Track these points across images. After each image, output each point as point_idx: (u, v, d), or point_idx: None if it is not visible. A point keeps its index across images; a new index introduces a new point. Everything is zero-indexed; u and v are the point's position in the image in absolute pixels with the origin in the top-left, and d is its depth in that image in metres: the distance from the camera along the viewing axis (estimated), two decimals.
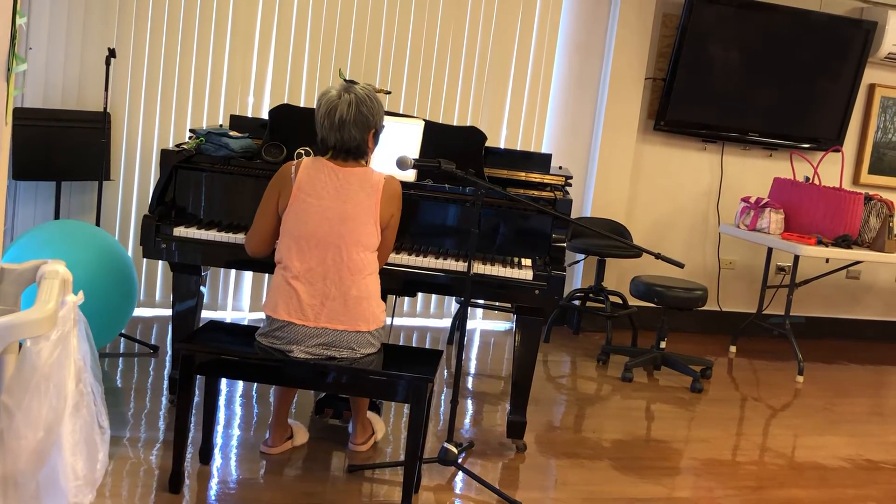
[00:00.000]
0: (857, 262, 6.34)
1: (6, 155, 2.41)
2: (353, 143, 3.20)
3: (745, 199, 5.91)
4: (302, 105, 5.29)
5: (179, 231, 3.64)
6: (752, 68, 6.11)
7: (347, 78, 3.33)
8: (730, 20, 6.00)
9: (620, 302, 5.92)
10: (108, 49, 4.57)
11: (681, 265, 3.51)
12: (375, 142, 3.30)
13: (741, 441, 4.43)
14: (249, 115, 5.30)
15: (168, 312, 5.17)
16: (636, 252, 5.60)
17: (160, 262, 5.24)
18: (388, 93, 3.36)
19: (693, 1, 5.87)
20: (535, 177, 4.03)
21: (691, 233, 6.41)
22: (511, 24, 5.73)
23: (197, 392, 3.87)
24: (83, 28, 4.97)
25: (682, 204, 6.36)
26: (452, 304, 5.86)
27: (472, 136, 3.92)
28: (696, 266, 6.40)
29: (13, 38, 2.30)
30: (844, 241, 5.50)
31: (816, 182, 5.79)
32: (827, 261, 6.14)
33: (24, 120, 4.63)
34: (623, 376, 5.17)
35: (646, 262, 6.01)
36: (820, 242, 5.49)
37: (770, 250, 6.06)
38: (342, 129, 3.18)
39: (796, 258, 5.69)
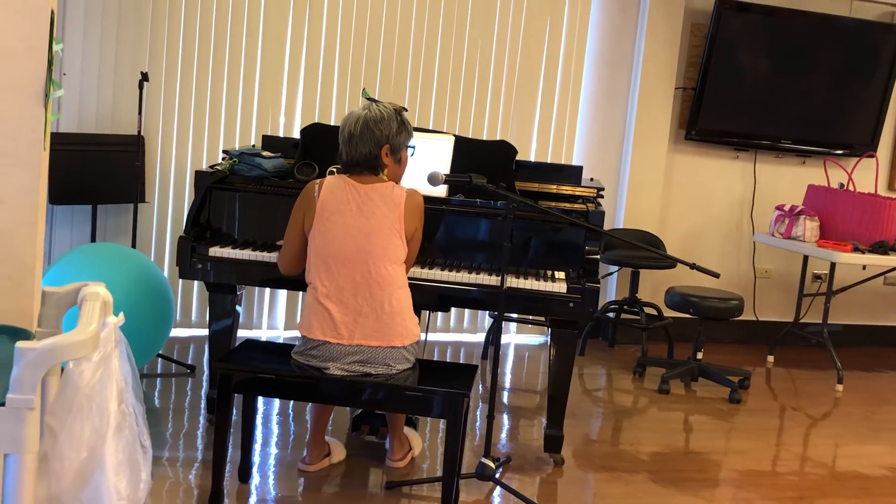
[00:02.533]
0: (895, 269, 6.27)
1: (45, 179, 2.46)
2: (360, 156, 3.26)
3: (780, 207, 5.87)
4: (332, 123, 5.34)
5: (214, 251, 3.67)
6: (782, 75, 6.08)
7: (370, 96, 3.39)
8: (758, 27, 5.98)
9: (655, 313, 5.89)
10: (141, 73, 4.64)
11: (716, 275, 3.49)
12: (395, 158, 3.32)
13: (781, 451, 4.39)
14: (281, 134, 5.35)
15: (204, 332, 5.22)
16: (670, 263, 5.58)
17: (196, 282, 5.29)
18: (405, 110, 3.41)
19: (721, 9, 5.86)
20: (567, 189, 4.04)
21: (725, 242, 6.37)
22: (539, 37, 5.74)
23: (234, 411, 3.90)
24: (116, 53, 5.04)
25: (716, 213, 6.33)
26: (486, 319, 5.86)
27: (503, 150, 3.93)
28: (731, 275, 6.35)
29: (50, 64, 2.35)
30: (881, 248, 5.45)
31: (851, 188, 5.74)
32: (864, 268, 6.08)
33: (60, 145, 4.70)
34: (660, 388, 5.14)
35: (680, 273, 5.98)
36: (856, 249, 5.44)
37: (806, 258, 6.01)
38: (350, 143, 3.27)
39: (833, 266, 5.63)
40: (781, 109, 6.15)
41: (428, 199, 3.56)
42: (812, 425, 4.85)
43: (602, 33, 5.89)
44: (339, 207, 3.21)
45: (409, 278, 3.41)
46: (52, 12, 2.35)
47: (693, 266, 3.46)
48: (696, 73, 6.02)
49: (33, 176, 2.37)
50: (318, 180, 3.29)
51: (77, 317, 2.15)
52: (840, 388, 5.56)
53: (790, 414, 5.00)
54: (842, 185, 5.80)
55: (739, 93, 6.06)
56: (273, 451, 3.78)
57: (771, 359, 6.08)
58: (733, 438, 4.51)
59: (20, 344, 1.92)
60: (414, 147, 3.44)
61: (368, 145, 3.25)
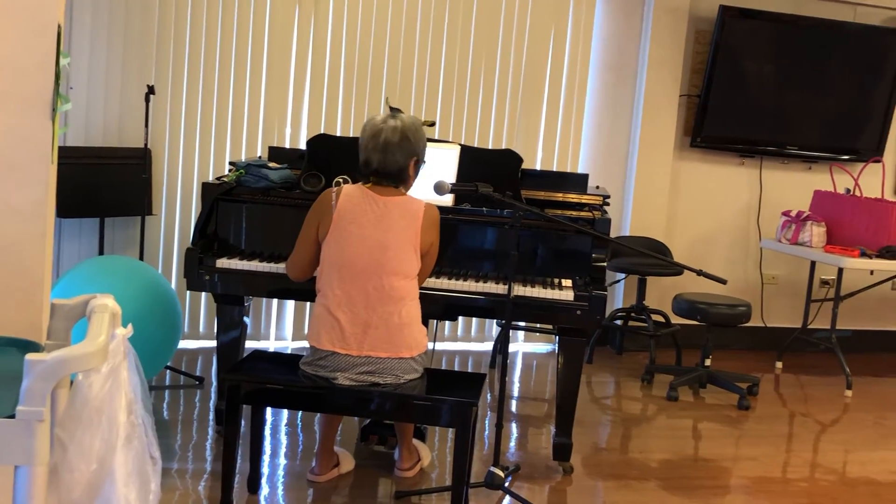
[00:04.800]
0: None
1: (53, 193, 2.47)
2: (395, 167, 3.23)
3: (786, 213, 5.86)
4: (338, 134, 5.36)
5: (222, 262, 3.68)
6: (787, 81, 6.08)
7: (393, 106, 3.36)
8: (763, 34, 5.98)
9: (663, 320, 5.88)
10: (147, 86, 4.65)
11: (724, 281, 3.49)
12: (416, 172, 3.33)
13: (791, 458, 4.38)
14: (287, 146, 5.36)
15: (212, 344, 5.23)
16: (677, 270, 5.57)
17: (203, 293, 5.30)
18: (433, 124, 3.40)
19: (725, 16, 5.86)
20: (573, 197, 4.04)
21: (732, 248, 6.37)
22: (543, 45, 5.76)
23: (243, 422, 3.90)
24: (122, 66, 5.07)
25: (722, 220, 6.32)
26: (494, 328, 5.85)
27: (509, 159, 3.94)
28: (738, 282, 6.35)
29: (57, 78, 2.36)
30: (889, 253, 5.44)
31: (857, 193, 5.73)
32: (871, 273, 6.07)
33: (67, 158, 4.71)
34: (668, 395, 5.13)
35: (687, 280, 5.97)
36: (864, 254, 5.43)
37: (813, 264, 6.00)
38: (386, 152, 3.21)
39: (840, 271, 5.62)
40: (787, 115, 6.15)
41: (439, 211, 3.56)
42: (822, 431, 4.83)
43: (606, 41, 5.90)
44: (356, 217, 3.20)
45: None
46: (59, 26, 2.37)
47: (700, 273, 3.46)
48: (701, 80, 6.02)
49: (42, 189, 2.38)
50: (334, 188, 3.28)
51: (86, 329, 2.16)
52: (849, 393, 5.54)
53: (800, 420, 4.99)
54: (848, 191, 5.79)
55: (744, 99, 6.06)
56: (282, 461, 3.78)
57: (779, 365, 6.06)
58: (743, 445, 4.49)
59: (30, 356, 1.93)
60: (426, 162, 3.44)
61: (404, 156, 3.23)
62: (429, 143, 3.87)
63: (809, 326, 6.08)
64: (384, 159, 3.22)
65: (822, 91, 6.16)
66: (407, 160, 3.24)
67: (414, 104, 5.56)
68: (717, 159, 6.23)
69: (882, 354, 6.62)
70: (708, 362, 5.25)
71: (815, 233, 5.66)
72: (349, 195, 3.24)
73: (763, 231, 6.33)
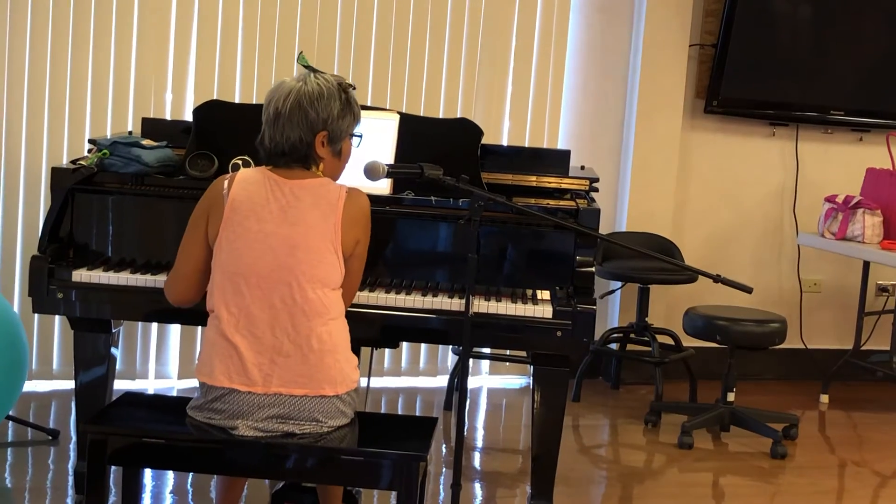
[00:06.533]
0: None
1: None
2: (287, 144, 3.22)
3: (831, 199, 5.92)
4: (237, 100, 5.32)
5: (80, 275, 3.64)
6: (830, 25, 6.14)
7: (309, 64, 3.34)
8: None
9: (672, 343, 5.92)
10: None
11: (749, 290, 3.51)
12: (334, 150, 3.31)
13: None
14: (168, 117, 5.33)
15: (70, 385, 5.15)
16: (689, 276, 5.61)
17: (57, 317, 5.24)
18: (352, 87, 3.39)
19: None
20: (550, 181, 4.05)
21: (761, 247, 6.43)
22: None
23: (112, 489, 3.86)
24: None
25: (748, 209, 6.38)
26: (449, 356, 5.86)
27: (464, 132, 3.94)
28: (769, 290, 6.40)
29: None
30: None
31: None
32: None
33: None
34: (680, 442, 5.16)
35: (703, 289, 6.01)
36: None
37: (867, 265, 6.07)
38: (275, 125, 3.22)
39: None
40: (830, 70, 6.22)
41: (368, 199, 3.55)
42: (881, 485, 4.89)
43: None
44: (254, 210, 3.18)
45: None
46: None
47: (718, 279, 3.48)
48: (718, 24, 6.07)
49: None
50: (228, 175, 3.27)
51: None
52: None
53: (852, 471, 5.04)
54: None
55: (774, 50, 6.12)
56: None
57: (825, 399, 6.13)
58: None
59: None
60: (361, 136, 3.43)
61: (299, 130, 3.22)
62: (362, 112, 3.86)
63: (863, 348, 6.15)
64: (274, 134, 3.23)
65: (876, 38, 6.23)
66: (307, 135, 3.22)
67: (339, 61, 5.55)
68: (739, 129, 6.29)
69: None
70: (731, 397, 5.28)
71: (869, 224, 5.72)
72: (245, 181, 3.22)
73: (801, 223, 6.40)
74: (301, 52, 3.50)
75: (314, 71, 3.29)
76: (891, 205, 5.81)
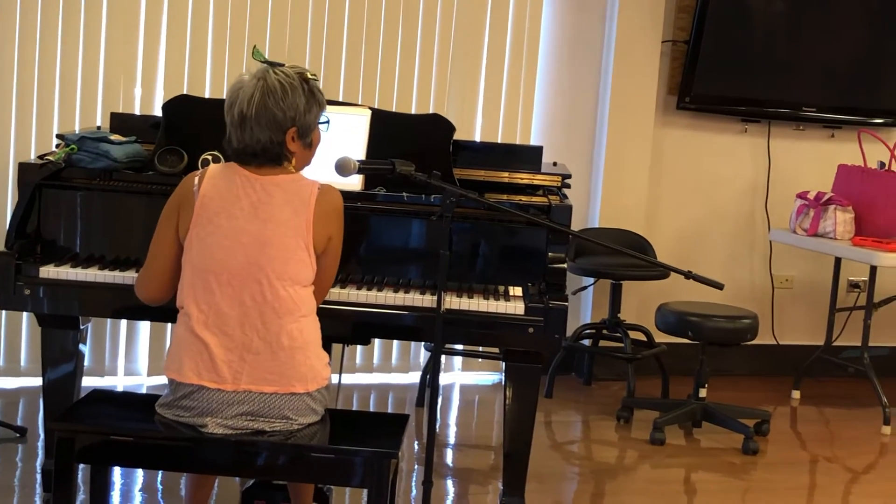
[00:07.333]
0: None
1: None
2: (258, 146, 3.20)
3: (802, 196, 5.94)
4: (207, 95, 5.30)
5: (48, 271, 3.62)
6: (803, 22, 6.16)
7: (265, 58, 3.32)
8: None
9: (644, 339, 5.93)
10: None
11: (720, 286, 3.52)
12: (305, 143, 3.29)
13: None
14: (137, 112, 5.30)
15: (38, 382, 5.12)
16: (662, 272, 5.62)
17: (24, 314, 5.20)
18: (314, 77, 3.36)
19: None
20: (523, 177, 4.05)
21: (733, 243, 6.45)
22: None
23: (81, 487, 3.84)
24: None
25: (720, 205, 6.40)
26: (421, 353, 5.85)
27: (436, 127, 3.93)
28: (741, 286, 6.42)
29: None
30: None
31: (895, 168, 5.83)
32: None
33: None
34: (652, 438, 5.17)
35: (675, 285, 6.01)
36: None
37: (838, 261, 6.09)
38: (242, 128, 3.19)
39: (873, 270, 5.72)
40: (803, 67, 6.24)
41: (341, 195, 3.53)
42: (852, 481, 4.91)
43: None
44: (225, 206, 3.17)
45: None
46: None
47: (689, 275, 3.49)
48: (690, 20, 6.08)
49: None
50: (198, 171, 3.25)
51: None
52: (887, 430, 5.64)
53: (824, 467, 5.06)
54: (882, 165, 5.89)
55: (747, 46, 6.13)
56: None
57: (797, 394, 6.15)
58: (750, 501, 4.55)
59: None
60: (328, 121, 3.41)
61: (269, 131, 3.20)
62: (331, 108, 3.84)
63: (835, 344, 6.18)
64: (242, 137, 3.20)
65: (849, 34, 6.26)
66: (277, 135, 3.20)
67: (310, 56, 5.53)
68: (711, 125, 6.30)
69: None
70: (703, 393, 5.30)
71: (841, 220, 5.74)
72: (215, 177, 3.21)
73: (773, 219, 6.42)
74: (255, 47, 3.46)
75: (272, 65, 3.26)
76: (862, 201, 5.83)
